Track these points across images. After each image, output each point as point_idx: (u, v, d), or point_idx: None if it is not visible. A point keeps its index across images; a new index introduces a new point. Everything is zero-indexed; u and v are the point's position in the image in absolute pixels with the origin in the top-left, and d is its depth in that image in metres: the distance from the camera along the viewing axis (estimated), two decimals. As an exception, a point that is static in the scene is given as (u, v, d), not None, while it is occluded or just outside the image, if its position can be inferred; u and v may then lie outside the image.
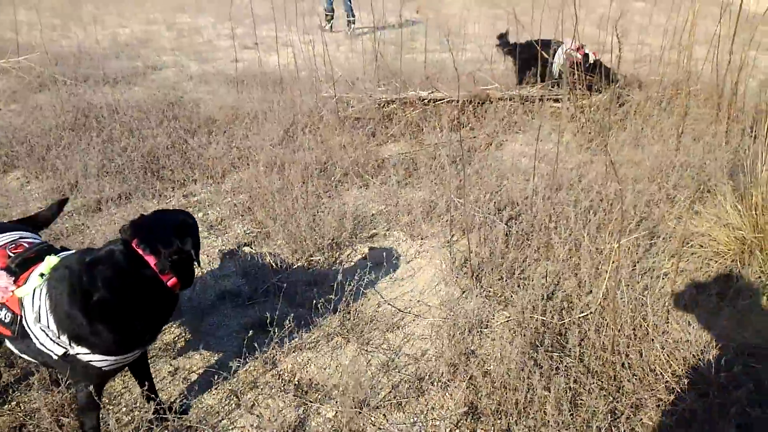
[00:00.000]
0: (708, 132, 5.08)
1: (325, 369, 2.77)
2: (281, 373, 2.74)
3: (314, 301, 3.17)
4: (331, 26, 11.80)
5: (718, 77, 5.33)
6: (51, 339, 1.98)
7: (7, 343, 2.15)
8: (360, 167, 4.73)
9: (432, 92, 5.88)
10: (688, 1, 5.42)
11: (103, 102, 5.90)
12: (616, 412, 2.44)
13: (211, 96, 6.72)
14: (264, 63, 7.36)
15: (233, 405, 2.55)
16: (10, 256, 2.18)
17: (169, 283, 2.07)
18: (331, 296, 3.17)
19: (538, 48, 5.87)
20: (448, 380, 2.65)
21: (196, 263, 2.19)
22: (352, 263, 3.64)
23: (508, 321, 3.01)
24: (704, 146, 4.74)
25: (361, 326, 3.02)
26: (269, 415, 2.49)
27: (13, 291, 2.06)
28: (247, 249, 3.75)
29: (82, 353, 1.98)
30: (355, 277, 3.42)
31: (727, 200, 3.56)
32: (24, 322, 2.02)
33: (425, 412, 2.51)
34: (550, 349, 2.76)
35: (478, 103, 5.97)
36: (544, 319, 2.92)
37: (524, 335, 2.79)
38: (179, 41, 10.25)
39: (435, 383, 2.63)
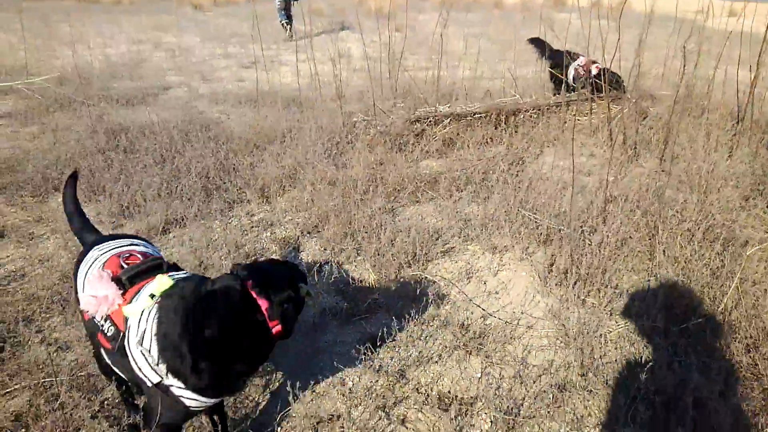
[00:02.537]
0: (735, 143, 5.36)
1: (459, 382, 2.79)
2: (417, 387, 2.75)
3: (420, 316, 3.20)
4: (291, 35, 12.49)
5: (737, 92, 5.65)
6: (149, 364, 1.84)
7: (104, 354, 2.05)
8: (413, 183, 4.78)
9: (461, 107, 6.02)
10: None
11: (132, 122, 5.78)
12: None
13: (234, 116, 6.68)
14: (265, 81, 7.36)
15: (385, 421, 2.55)
16: (122, 267, 2.05)
17: (273, 331, 1.97)
18: (434, 311, 3.22)
19: (570, 58, 6.11)
20: (591, 389, 2.72)
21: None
22: (440, 278, 3.67)
23: (621, 329, 3.10)
24: (741, 157, 5.01)
25: (478, 339, 3.06)
26: (425, 428, 2.50)
27: (119, 305, 1.94)
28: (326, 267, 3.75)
29: (176, 386, 1.85)
30: (451, 292, 3.49)
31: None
32: (126, 341, 1.90)
33: (579, 420, 2.56)
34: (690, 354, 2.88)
35: (505, 117, 6.13)
36: (656, 325, 3.03)
37: (644, 342, 2.90)
38: (174, 61, 10.12)
39: (577, 391, 2.69)
